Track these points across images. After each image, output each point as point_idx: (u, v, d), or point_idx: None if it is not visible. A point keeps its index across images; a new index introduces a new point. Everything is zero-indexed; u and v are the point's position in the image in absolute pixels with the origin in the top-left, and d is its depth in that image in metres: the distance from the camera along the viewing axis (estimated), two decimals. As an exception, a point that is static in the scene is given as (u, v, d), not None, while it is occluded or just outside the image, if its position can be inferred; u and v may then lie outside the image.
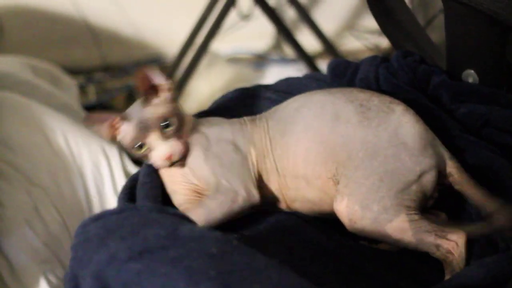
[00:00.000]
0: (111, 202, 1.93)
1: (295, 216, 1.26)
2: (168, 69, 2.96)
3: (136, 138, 1.21)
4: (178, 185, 1.26)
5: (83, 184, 1.90)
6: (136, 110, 1.23)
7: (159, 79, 1.22)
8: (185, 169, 1.24)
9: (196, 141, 1.24)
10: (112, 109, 2.99)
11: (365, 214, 1.14)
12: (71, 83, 2.61)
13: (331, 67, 1.55)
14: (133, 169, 2.06)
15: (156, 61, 3.20)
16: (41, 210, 1.72)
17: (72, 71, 2.95)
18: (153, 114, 1.21)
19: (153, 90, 1.22)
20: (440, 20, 1.45)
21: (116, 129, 1.24)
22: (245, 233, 1.19)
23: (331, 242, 1.20)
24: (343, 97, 1.24)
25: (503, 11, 1.20)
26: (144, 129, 1.20)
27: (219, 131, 1.27)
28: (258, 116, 1.32)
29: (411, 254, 1.18)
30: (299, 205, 1.25)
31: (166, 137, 1.20)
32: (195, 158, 1.23)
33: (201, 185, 1.23)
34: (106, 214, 1.01)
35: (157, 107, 1.22)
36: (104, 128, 1.24)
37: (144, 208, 1.03)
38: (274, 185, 1.25)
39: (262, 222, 1.24)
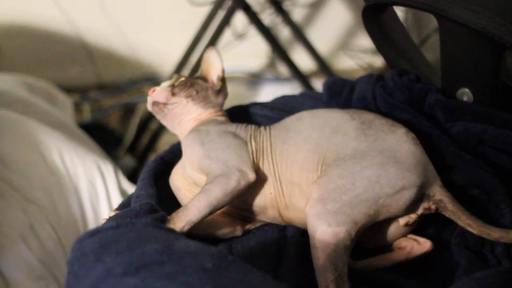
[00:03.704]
0: (106, 218, 1.93)
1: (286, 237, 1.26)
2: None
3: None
4: (179, 182, 1.30)
5: (78, 201, 1.91)
6: None
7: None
8: (184, 162, 1.29)
9: (196, 133, 1.28)
10: (107, 127, 3.00)
11: (315, 205, 1.12)
12: (66, 101, 2.62)
13: (328, 86, 1.56)
14: (128, 186, 2.07)
15: (151, 79, 3.21)
16: (36, 227, 1.71)
17: (68, 89, 2.96)
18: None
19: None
20: (434, 39, 1.46)
21: None
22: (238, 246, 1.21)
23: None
24: (346, 115, 1.26)
25: (497, 30, 1.21)
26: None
27: (224, 127, 1.31)
28: (263, 126, 1.34)
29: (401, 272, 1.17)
30: (292, 214, 1.24)
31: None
32: (192, 145, 1.27)
33: (198, 174, 1.25)
34: (102, 229, 1.01)
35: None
36: None
37: (140, 223, 1.03)
38: (269, 189, 1.24)
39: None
